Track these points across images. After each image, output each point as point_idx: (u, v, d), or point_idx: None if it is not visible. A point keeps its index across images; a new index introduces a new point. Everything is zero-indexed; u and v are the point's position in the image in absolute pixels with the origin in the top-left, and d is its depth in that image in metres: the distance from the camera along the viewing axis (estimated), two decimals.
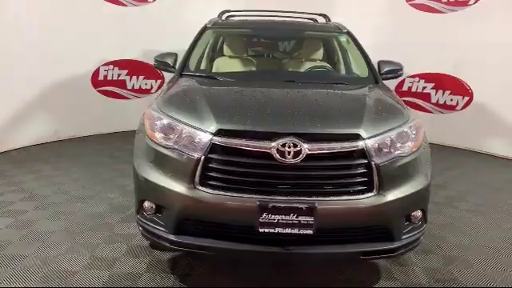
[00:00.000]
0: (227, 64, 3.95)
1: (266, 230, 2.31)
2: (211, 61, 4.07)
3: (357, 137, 2.37)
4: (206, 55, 4.01)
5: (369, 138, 2.38)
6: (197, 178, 2.36)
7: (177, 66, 3.62)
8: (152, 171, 2.54)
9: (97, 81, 6.90)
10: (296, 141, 2.29)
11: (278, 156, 2.28)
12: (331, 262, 2.92)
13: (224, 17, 4.74)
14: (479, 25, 6.47)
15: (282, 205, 2.28)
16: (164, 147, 2.52)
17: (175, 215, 2.42)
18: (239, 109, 2.59)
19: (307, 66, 4.00)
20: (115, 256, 3.08)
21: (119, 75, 7.20)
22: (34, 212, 3.75)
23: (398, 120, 2.60)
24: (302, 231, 2.31)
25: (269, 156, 2.30)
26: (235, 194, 2.33)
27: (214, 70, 3.83)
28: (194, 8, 7.39)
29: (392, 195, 2.39)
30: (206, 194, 2.35)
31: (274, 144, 2.29)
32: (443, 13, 7.01)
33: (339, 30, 4.02)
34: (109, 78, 7.08)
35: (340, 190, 2.34)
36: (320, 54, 4.11)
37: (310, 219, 2.28)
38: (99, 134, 6.75)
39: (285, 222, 2.29)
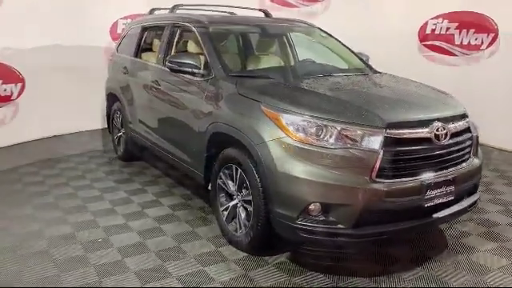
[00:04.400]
0: (255, 62, 3.96)
1: (429, 205, 2.72)
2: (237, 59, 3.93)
3: (465, 116, 3.00)
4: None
5: (468, 116, 3.04)
6: (375, 171, 2.56)
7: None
8: (317, 173, 2.58)
9: None
10: (444, 124, 2.75)
11: (435, 139, 2.70)
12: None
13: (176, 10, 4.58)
14: (329, 17, 7.64)
15: (439, 180, 2.73)
16: (329, 148, 2.58)
17: (358, 209, 2.56)
18: (376, 102, 2.86)
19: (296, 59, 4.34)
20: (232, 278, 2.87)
21: None
22: None
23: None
24: (448, 198, 2.81)
25: (428, 140, 2.70)
26: (406, 179, 2.65)
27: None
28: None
29: (479, 158, 3.12)
30: (384, 184, 2.58)
31: (432, 129, 2.70)
32: (297, 7, 8.03)
33: (312, 26, 4.46)
34: None
35: (463, 159, 2.93)
36: (300, 49, 4.46)
37: (452, 187, 2.81)
38: None
39: (439, 194, 2.75)
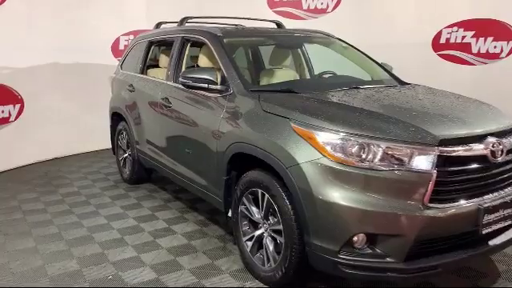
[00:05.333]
0: (270, 76, 3.64)
1: (486, 231, 2.38)
2: (252, 74, 3.63)
3: None
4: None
5: None
6: (427, 195, 2.24)
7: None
8: (361, 199, 2.25)
9: None
10: (498, 139, 2.43)
11: (491, 156, 2.38)
12: None
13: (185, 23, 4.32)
14: (337, 29, 7.38)
15: (497, 202, 2.40)
16: (373, 170, 2.26)
17: (410, 240, 2.23)
18: (422, 116, 2.53)
19: (312, 72, 4.06)
20: None
21: None
22: None
23: None
24: (506, 223, 2.47)
25: (483, 158, 2.37)
26: (461, 202, 2.32)
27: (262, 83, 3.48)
28: (52, 14, 6.13)
29: None
30: (438, 210, 2.25)
31: (488, 145, 2.37)
32: (304, 19, 7.79)
33: (331, 36, 4.18)
34: None
35: None
36: (320, 60, 4.17)
37: (510, 210, 2.47)
38: None
39: (497, 218, 2.42)
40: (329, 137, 2.35)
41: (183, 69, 3.92)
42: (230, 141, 2.97)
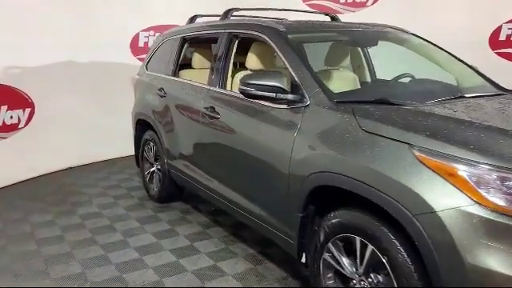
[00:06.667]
0: (327, 79, 2.94)
1: None
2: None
3: None
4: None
5: None
6: None
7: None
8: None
9: None
10: None
11: None
12: None
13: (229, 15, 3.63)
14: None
15: None
16: None
17: None
18: None
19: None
20: None
21: None
22: None
23: None
24: None
25: None
26: None
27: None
28: (65, 8, 5.43)
29: None
30: None
31: None
32: (341, 13, 7.06)
33: (405, 31, 3.47)
34: None
35: None
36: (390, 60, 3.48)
37: None
38: None
39: None
40: (483, 174, 1.64)
41: (230, 71, 3.24)
42: (311, 169, 2.27)
